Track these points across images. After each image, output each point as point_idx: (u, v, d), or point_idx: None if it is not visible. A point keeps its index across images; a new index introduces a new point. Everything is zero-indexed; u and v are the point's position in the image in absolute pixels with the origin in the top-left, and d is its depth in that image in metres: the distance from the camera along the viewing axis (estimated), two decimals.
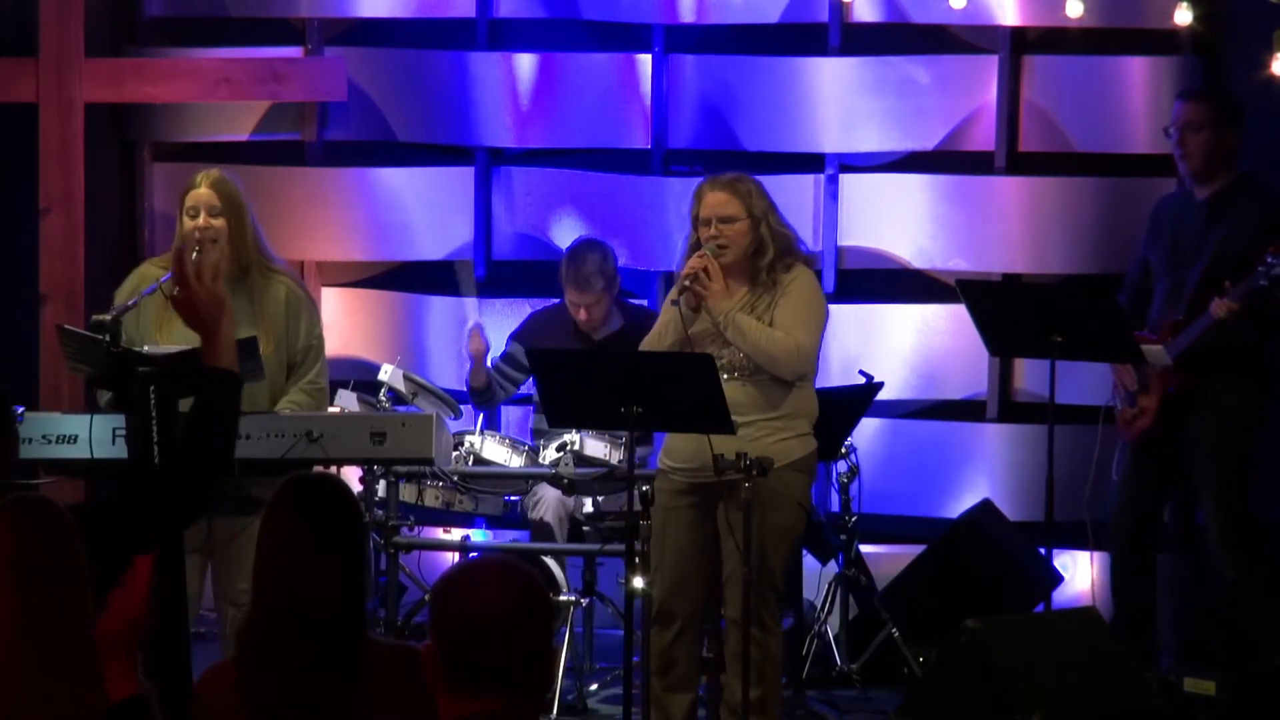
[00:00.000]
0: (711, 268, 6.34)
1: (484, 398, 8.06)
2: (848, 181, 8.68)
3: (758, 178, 6.60)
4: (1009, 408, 8.63)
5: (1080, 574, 8.33)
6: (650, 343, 6.50)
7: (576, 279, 7.85)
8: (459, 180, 8.90)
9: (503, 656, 3.23)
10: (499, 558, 3.35)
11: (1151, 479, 7.48)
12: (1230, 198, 7.30)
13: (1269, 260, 6.94)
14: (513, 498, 7.86)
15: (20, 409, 5.80)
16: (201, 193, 6.25)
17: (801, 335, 6.36)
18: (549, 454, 7.43)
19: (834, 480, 7.80)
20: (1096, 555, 7.79)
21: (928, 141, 8.62)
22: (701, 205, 6.46)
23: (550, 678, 3.34)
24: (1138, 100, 8.45)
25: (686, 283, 6.33)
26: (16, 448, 4.35)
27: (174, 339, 6.19)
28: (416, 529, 7.66)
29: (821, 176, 8.67)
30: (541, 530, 7.69)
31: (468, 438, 7.59)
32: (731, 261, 6.40)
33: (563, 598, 7.31)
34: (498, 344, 8.33)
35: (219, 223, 6.21)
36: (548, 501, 7.68)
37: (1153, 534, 7.56)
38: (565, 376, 6.35)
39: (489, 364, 8.06)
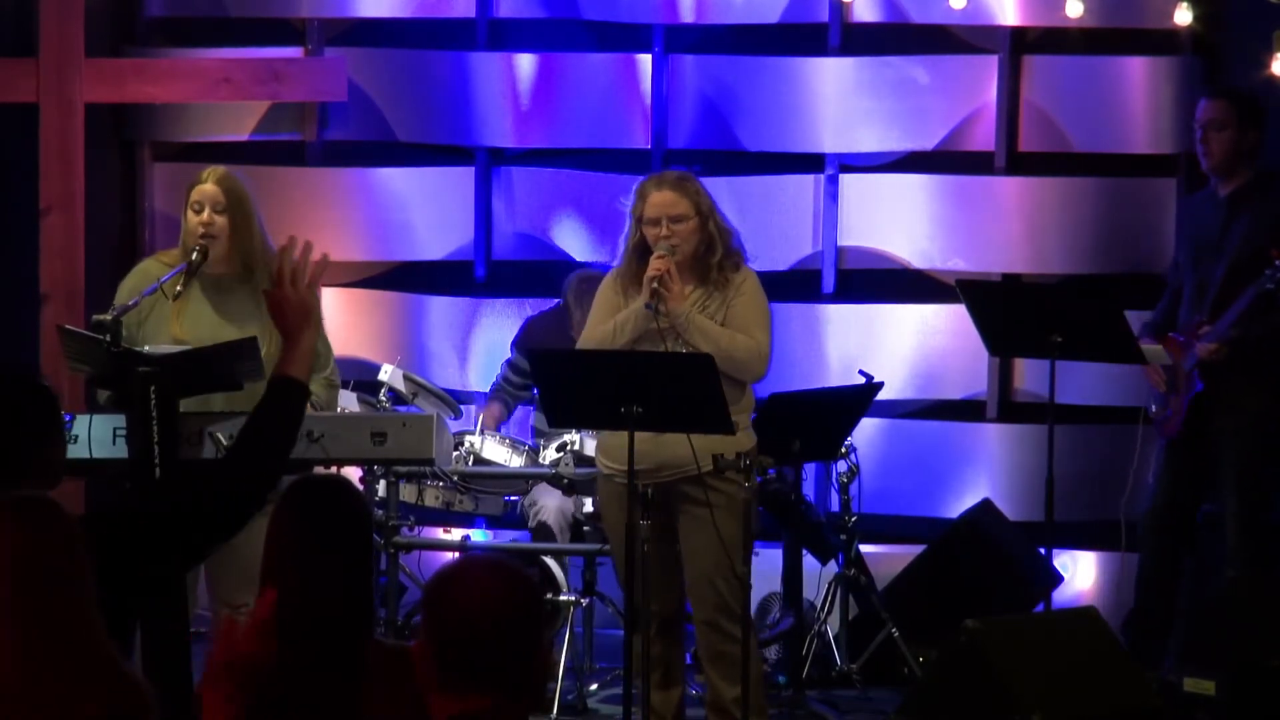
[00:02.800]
0: (672, 269, 6.35)
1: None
2: (848, 181, 8.68)
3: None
4: (1009, 408, 8.63)
5: (1080, 574, 8.34)
6: (601, 342, 6.45)
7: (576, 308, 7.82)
8: (459, 180, 8.90)
9: (494, 655, 3.22)
10: (492, 556, 3.34)
11: (1182, 480, 7.47)
12: (1248, 196, 7.32)
13: (1277, 264, 6.96)
14: (513, 498, 7.86)
15: (70, 416, 5.79)
16: (207, 188, 6.27)
17: (761, 336, 6.40)
18: (549, 454, 7.43)
19: (834, 480, 7.80)
20: (1101, 555, 7.80)
21: (928, 141, 8.62)
22: (646, 205, 6.43)
23: (542, 678, 3.33)
24: (1138, 100, 8.45)
25: (655, 285, 6.32)
26: (64, 454, 4.32)
27: (194, 331, 6.19)
28: (416, 529, 7.67)
29: (821, 176, 8.67)
30: (542, 531, 7.68)
31: (468, 438, 7.59)
32: (681, 260, 6.41)
33: (563, 598, 7.32)
34: (498, 348, 8.34)
35: (222, 220, 6.24)
36: (548, 503, 7.68)
37: (1181, 535, 7.54)
38: (565, 376, 6.35)
39: (495, 380, 8.07)
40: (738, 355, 6.30)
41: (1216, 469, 7.37)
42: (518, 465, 7.58)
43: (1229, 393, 7.25)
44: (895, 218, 8.65)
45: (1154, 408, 7.49)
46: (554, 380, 6.36)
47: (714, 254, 6.43)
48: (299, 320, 4.36)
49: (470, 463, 7.56)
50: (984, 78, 8.56)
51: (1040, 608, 7.55)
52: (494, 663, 3.22)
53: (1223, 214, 7.34)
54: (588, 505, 7.65)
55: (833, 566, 7.82)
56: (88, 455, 5.92)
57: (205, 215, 6.24)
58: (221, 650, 3.67)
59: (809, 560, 7.83)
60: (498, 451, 7.60)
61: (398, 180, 8.91)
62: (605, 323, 6.47)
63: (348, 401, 7.51)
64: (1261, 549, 7.30)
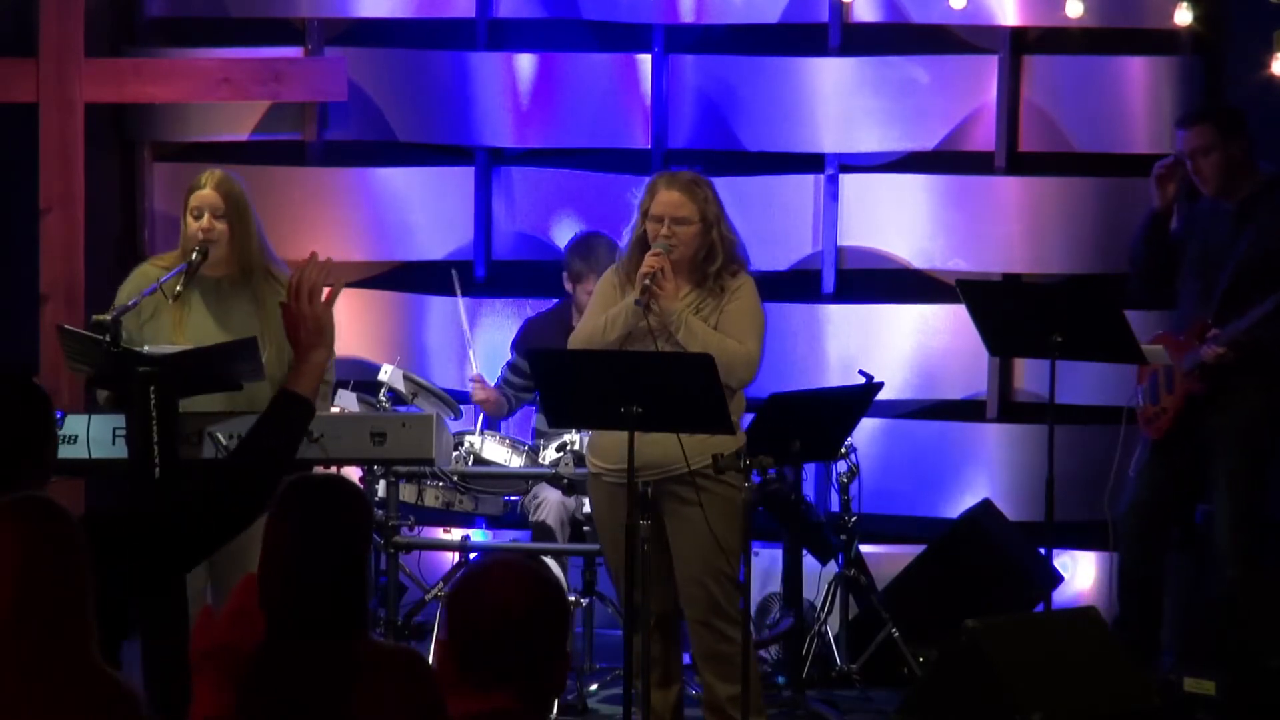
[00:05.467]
0: (666, 267, 6.34)
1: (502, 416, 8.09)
2: (848, 181, 8.68)
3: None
4: (1009, 408, 8.62)
5: (1080, 574, 8.34)
6: (591, 336, 6.44)
7: (588, 272, 7.76)
8: (459, 180, 8.90)
9: (522, 654, 3.24)
10: (521, 558, 3.35)
11: (1168, 478, 7.46)
12: (1259, 200, 7.28)
13: None
14: (513, 498, 7.86)
15: (61, 413, 5.79)
16: (206, 194, 6.27)
17: (751, 344, 6.39)
18: (549, 454, 7.44)
19: (834, 480, 7.80)
20: (1101, 555, 7.79)
21: (928, 141, 8.62)
22: (654, 201, 6.44)
23: (563, 679, 3.35)
24: (1138, 100, 8.45)
25: (647, 282, 6.32)
26: (56, 451, 4.33)
27: (193, 337, 6.19)
28: (416, 529, 7.67)
29: (821, 176, 8.67)
30: (542, 532, 7.69)
31: (468, 438, 7.59)
32: (679, 261, 6.41)
33: None
34: (498, 348, 8.33)
35: (222, 225, 6.24)
36: (548, 503, 7.68)
37: (1164, 534, 7.54)
38: (565, 376, 6.35)
39: (497, 381, 8.04)
40: (725, 359, 6.27)
41: (1209, 468, 7.36)
42: (518, 465, 7.58)
43: (1227, 393, 7.24)
44: (895, 218, 8.65)
45: (1141, 404, 7.47)
46: (554, 380, 6.36)
47: (712, 262, 6.42)
48: (312, 337, 4.37)
49: (470, 463, 7.56)
50: (984, 78, 8.56)
51: (1040, 608, 7.55)
52: (517, 662, 3.24)
53: (1233, 221, 7.31)
54: (587, 505, 7.65)
55: (833, 566, 7.82)
56: (87, 455, 5.92)
57: (205, 221, 6.24)
58: (200, 640, 3.68)
59: (809, 560, 7.83)
60: (498, 451, 7.60)
61: (398, 180, 8.91)
62: (600, 316, 6.48)
63: (348, 401, 7.51)
64: (1256, 547, 7.29)
